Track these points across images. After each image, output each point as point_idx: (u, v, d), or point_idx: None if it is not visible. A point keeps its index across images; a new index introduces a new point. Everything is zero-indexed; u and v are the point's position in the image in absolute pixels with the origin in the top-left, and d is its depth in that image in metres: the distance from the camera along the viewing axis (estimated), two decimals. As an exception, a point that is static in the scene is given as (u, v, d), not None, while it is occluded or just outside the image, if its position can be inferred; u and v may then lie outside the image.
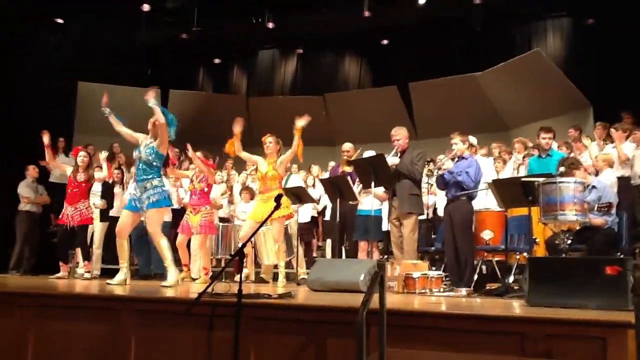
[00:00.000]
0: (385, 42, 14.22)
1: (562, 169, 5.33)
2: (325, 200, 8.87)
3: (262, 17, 13.80)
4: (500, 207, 5.91)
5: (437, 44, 13.42)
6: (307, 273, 6.68)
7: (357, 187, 6.93)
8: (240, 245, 5.82)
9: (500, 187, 5.48)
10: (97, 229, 8.14)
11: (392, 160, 6.14)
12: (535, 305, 3.66)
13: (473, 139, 7.57)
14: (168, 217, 7.61)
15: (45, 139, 7.16)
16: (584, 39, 11.53)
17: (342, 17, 13.49)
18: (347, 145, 7.53)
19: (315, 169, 10.13)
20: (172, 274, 5.48)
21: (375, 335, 2.52)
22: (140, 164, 5.65)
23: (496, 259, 6.38)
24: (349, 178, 6.78)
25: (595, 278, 3.55)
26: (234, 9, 13.74)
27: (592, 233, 5.52)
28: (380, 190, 6.83)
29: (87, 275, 7.22)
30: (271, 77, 15.75)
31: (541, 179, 4.78)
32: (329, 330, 3.23)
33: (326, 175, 8.81)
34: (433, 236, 7.55)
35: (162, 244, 5.54)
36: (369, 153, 6.95)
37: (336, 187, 6.54)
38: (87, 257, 7.43)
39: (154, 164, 5.64)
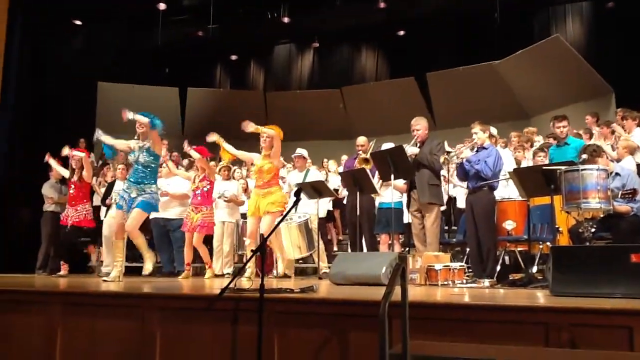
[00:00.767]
0: (401, 33, 14.15)
1: (584, 156, 5.24)
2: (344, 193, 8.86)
3: (277, 12, 13.82)
4: (522, 197, 5.84)
5: (454, 33, 13.31)
6: (328, 267, 6.70)
7: (376, 180, 6.92)
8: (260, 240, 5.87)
9: (522, 176, 5.42)
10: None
11: (411, 150, 6.11)
12: (560, 295, 3.62)
13: (493, 130, 7.50)
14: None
15: (50, 159, 7.63)
16: (605, 24, 11.35)
17: (358, 9, 13.46)
18: (361, 139, 7.49)
19: (332, 164, 10.12)
20: (149, 262, 5.91)
21: (398, 328, 2.51)
22: (138, 166, 5.81)
23: (519, 249, 6.32)
24: (368, 171, 6.76)
25: (620, 266, 3.50)
26: (249, 5, 13.78)
27: (617, 220, 5.43)
28: (401, 182, 6.80)
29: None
30: (288, 71, 15.78)
31: (563, 167, 4.71)
32: (352, 323, 3.24)
33: (341, 169, 8.81)
34: (454, 228, 7.50)
35: (140, 240, 5.88)
36: (387, 145, 6.92)
37: (355, 180, 6.53)
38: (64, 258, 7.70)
39: (152, 165, 5.83)
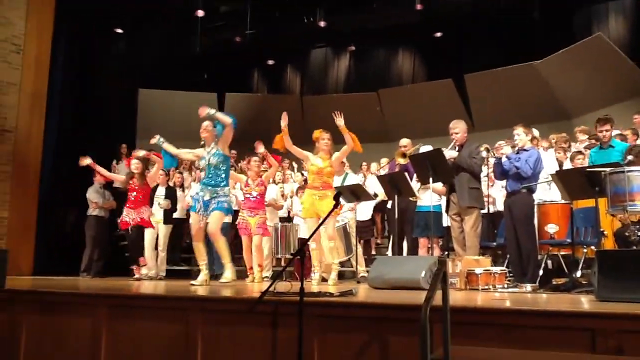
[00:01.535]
0: (438, 34, 14.03)
1: (630, 157, 5.10)
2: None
3: (313, 16, 13.88)
4: (565, 199, 5.71)
5: (492, 34, 13.13)
6: (367, 271, 6.68)
7: (415, 184, 6.87)
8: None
9: (565, 179, 5.30)
10: (162, 231, 8.39)
11: (450, 153, 6.06)
12: (606, 300, 3.53)
13: (535, 132, 7.37)
14: (228, 218, 7.78)
15: (86, 161, 7.63)
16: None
17: (394, 11, 13.40)
18: (404, 141, 7.47)
19: (373, 166, 10.11)
20: (229, 271, 5.85)
21: (439, 333, 2.49)
22: (211, 169, 5.89)
23: (562, 253, 6.18)
24: (406, 174, 6.73)
25: (669, 271, 3.39)
26: (285, 10, 13.88)
27: (665, 223, 5.26)
28: (439, 184, 6.74)
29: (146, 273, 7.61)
30: (324, 75, 15.83)
31: (608, 169, 4.60)
32: (392, 327, 3.22)
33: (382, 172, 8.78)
34: (495, 231, 7.38)
35: (222, 244, 5.87)
36: (425, 148, 6.87)
37: (394, 183, 6.51)
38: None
39: (222, 167, 5.91)
